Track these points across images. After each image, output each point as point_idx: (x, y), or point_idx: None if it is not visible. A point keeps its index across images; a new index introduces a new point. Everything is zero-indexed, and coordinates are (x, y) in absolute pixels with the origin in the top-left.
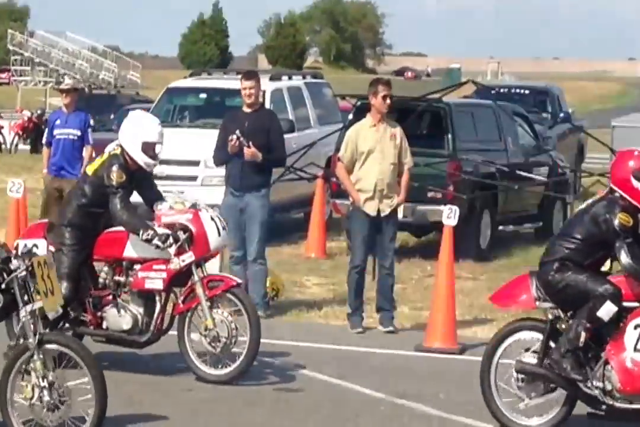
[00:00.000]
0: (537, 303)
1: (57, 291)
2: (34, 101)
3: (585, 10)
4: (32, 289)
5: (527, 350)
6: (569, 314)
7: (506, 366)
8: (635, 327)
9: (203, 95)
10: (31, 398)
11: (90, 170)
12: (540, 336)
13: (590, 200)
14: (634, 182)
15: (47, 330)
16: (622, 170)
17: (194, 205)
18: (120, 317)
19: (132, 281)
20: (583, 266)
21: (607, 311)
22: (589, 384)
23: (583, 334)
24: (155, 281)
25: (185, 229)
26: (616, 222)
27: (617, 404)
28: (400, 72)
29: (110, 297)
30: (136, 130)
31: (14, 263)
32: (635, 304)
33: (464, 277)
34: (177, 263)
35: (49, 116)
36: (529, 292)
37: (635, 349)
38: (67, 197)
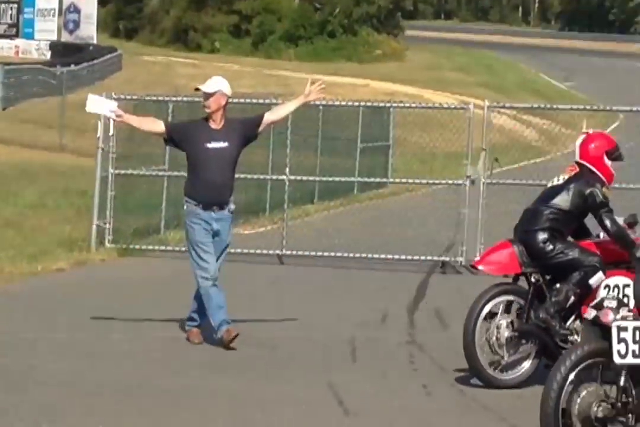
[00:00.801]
0: (523, 268)
1: None
2: None
3: None
4: None
5: (507, 311)
6: (547, 278)
7: (487, 327)
8: (605, 287)
9: None
10: None
11: None
12: (516, 299)
13: (565, 176)
14: (606, 160)
15: None
16: (595, 149)
17: None
18: None
19: None
20: (564, 235)
21: (597, 279)
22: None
23: (572, 298)
24: None
25: None
26: (601, 196)
27: None
28: None
29: None
30: None
31: None
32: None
33: None
34: None
35: None
36: (515, 258)
37: None
38: None
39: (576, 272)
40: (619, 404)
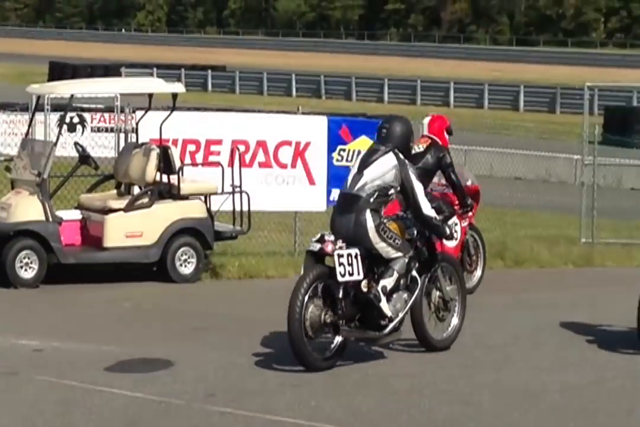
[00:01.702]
0: None
1: None
2: None
3: None
4: None
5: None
6: None
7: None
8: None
9: None
10: None
11: None
12: None
13: (422, 146)
14: (445, 134)
15: None
16: (438, 126)
17: None
18: None
19: None
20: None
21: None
22: None
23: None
24: None
25: None
26: (449, 158)
27: None
28: None
29: None
30: None
31: None
32: None
33: None
34: None
35: None
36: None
37: None
38: None
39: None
40: (339, 311)
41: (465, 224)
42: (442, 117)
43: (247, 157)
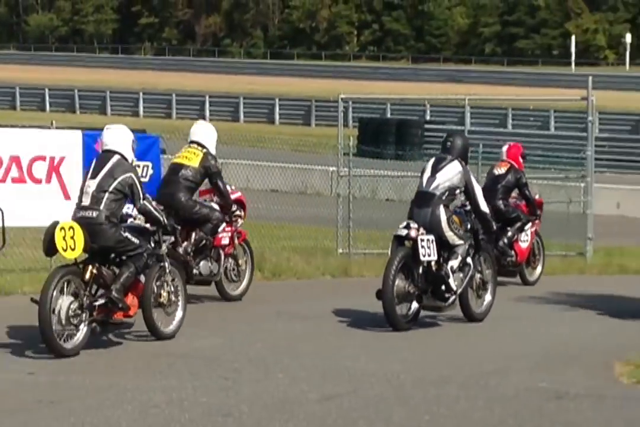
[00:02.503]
0: None
1: None
2: None
3: None
4: None
5: None
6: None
7: None
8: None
9: None
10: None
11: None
12: None
13: (503, 169)
14: (521, 160)
15: None
16: (514, 152)
17: None
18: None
19: None
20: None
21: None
22: None
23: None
24: None
25: None
26: (524, 178)
27: None
28: None
29: None
30: None
31: None
32: None
33: None
34: None
35: None
36: None
37: None
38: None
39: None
40: (418, 284)
41: (533, 229)
42: (518, 145)
43: (0, 173)
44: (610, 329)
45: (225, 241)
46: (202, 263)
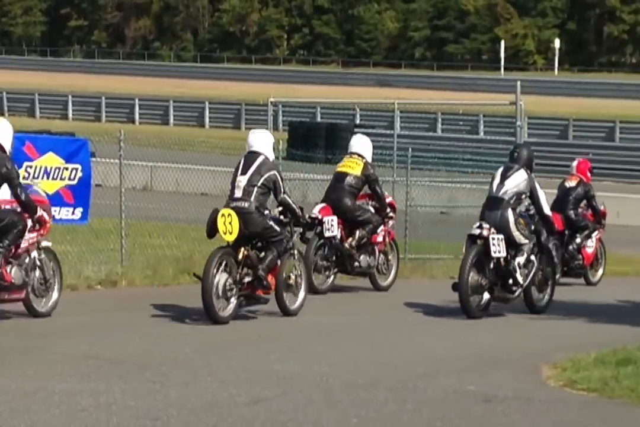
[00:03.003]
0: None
1: None
2: None
3: None
4: None
5: None
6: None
7: None
8: None
9: None
10: None
11: None
12: None
13: (573, 182)
14: (589, 174)
15: None
16: (583, 167)
17: None
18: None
19: None
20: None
21: None
22: None
23: None
24: None
25: None
26: (592, 191)
27: None
28: None
29: None
30: None
31: None
32: None
33: None
34: None
35: None
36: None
37: None
38: None
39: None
40: (489, 277)
41: (598, 236)
42: (586, 161)
43: None
44: (539, 333)
45: (380, 239)
46: (362, 257)
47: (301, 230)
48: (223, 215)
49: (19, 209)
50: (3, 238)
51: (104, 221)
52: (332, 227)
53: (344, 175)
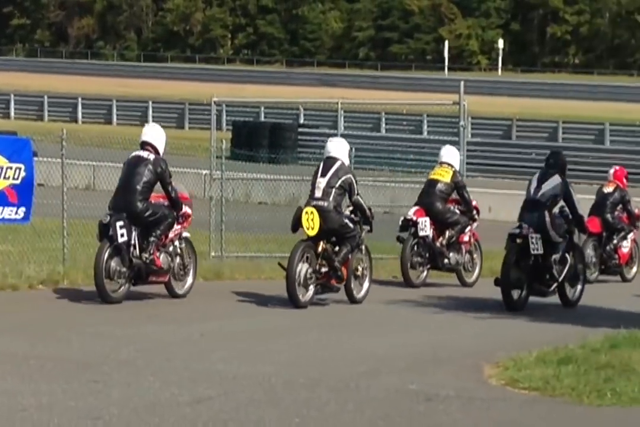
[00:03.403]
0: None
1: None
2: None
3: None
4: None
5: None
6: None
7: None
8: None
9: None
10: None
11: None
12: None
13: (611, 188)
14: (624, 180)
15: None
16: (619, 174)
17: None
18: None
19: None
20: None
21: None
22: None
23: None
24: None
25: None
26: (628, 196)
27: None
28: None
29: None
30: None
31: None
32: None
33: None
34: None
35: None
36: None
37: None
38: None
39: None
40: (529, 273)
41: (633, 237)
42: (622, 168)
43: None
44: (481, 331)
45: (466, 239)
46: (451, 255)
47: (369, 228)
48: (306, 212)
49: (167, 204)
50: (156, 229)
51: (46, 221)
52: (425, 227)
53: (435, 182)
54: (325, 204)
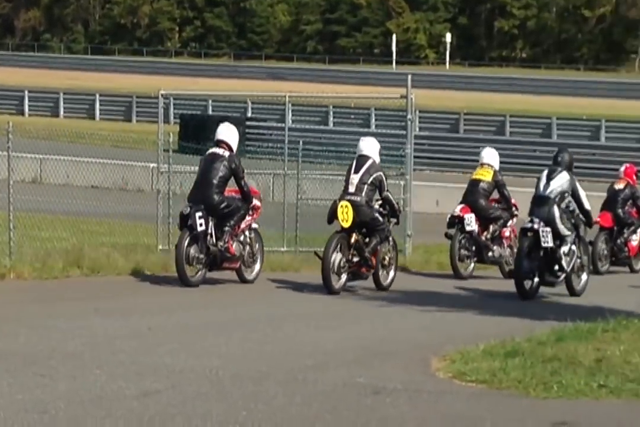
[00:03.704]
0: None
1: None
2: None
3: None
4: None
5: None
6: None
7: None
8: None
9: None
10: None
11: None
12: None
13: (622, 184)
14: (634, 177)
15: None
16: (630, 172)
17: None
18: None
19: None
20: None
21: None
22: None
23: None
24: None
25: None
26: (639, 193)
27: None
28: None
29: None
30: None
31: None
32: None
33: None
34: None
35: None
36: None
37: None
38: None
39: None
40: (539, 265)
41: None
42: (632, 166)
43: None
44: (428, 325)
45: (508, 234)
46: (495, 248)
47: (396, 220)
48: (341, 206)
49: (239, 197)
50: (230, 219)
51: None
52: (471, 222)
53: (478, 181)
54: (358, 198)
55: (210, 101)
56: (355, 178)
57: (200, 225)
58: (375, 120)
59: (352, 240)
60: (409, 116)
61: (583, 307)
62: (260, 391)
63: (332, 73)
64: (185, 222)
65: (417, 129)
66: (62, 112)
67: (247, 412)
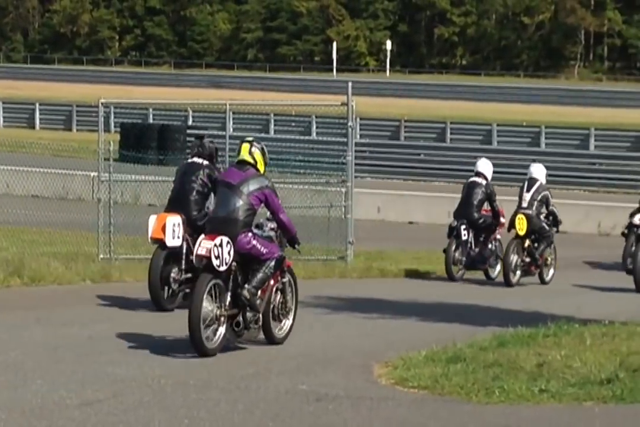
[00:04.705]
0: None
1: None
2: None
3: None
4: None
5: None
6: None
7: None
8: None
9: None
10: None
11: None
12: None
13: None
14: None
15: None
16: None
17: None
18: None
19: None
20: None
21: None
22: None
23: None
24: None
25: None
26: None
27: None
28: None
29: None
30: None
31: None
32: None
33: None
34: None
35: None
36: None
37: None
38: None
39: None
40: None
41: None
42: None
43: None
44: (371, 332)
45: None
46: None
47: (556, 229)
48: (518, 218)
49: None
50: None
51: None
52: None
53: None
54: (530, 211)
55: (151, 110)
56: (527, 196)
57: None
58: (316, 127)
59: (526, 245)
60: (350, 123)
61: (524, 313)
62: (203, 398)
63: (272, 81)
64: None
65: (358, 137)
66: (1, 122)
67: (189, 420)
